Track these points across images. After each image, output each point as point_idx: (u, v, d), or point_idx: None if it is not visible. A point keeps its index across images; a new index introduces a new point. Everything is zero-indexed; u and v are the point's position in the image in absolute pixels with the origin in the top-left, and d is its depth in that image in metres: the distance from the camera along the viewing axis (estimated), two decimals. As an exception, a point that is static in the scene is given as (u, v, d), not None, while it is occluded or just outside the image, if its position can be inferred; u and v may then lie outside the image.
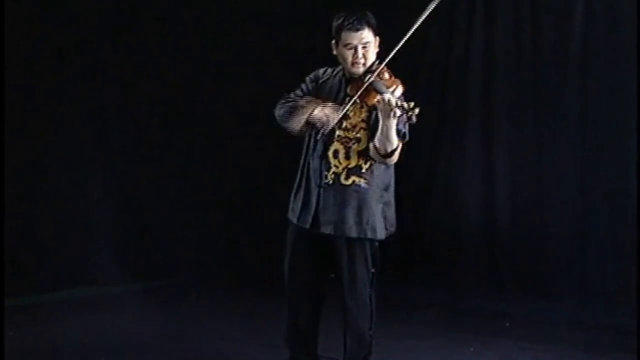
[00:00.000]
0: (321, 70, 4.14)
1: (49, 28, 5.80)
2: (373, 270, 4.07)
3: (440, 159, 6.53)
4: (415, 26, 3.87)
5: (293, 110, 3.97)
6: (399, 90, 3.85)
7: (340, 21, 3.97)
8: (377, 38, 4.02)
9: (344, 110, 3.89)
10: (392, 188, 4.13)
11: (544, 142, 6.20)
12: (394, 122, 3.77)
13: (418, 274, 6.43)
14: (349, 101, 3.91)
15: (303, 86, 4.12)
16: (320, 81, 4.09)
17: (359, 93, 3.87)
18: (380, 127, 3.81)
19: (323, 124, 3.89)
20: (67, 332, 5.19)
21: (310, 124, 3.92)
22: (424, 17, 3.89)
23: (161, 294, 6.05)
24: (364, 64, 3.96)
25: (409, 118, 3.69)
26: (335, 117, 3.89)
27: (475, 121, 6.40)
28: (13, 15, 5.25)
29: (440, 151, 6.53)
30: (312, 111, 3.91)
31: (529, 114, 6.24)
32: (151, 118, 6.30)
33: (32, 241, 5.85)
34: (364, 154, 3.96)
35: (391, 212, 4.13)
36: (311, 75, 4.14)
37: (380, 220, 4.05)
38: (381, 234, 4.06)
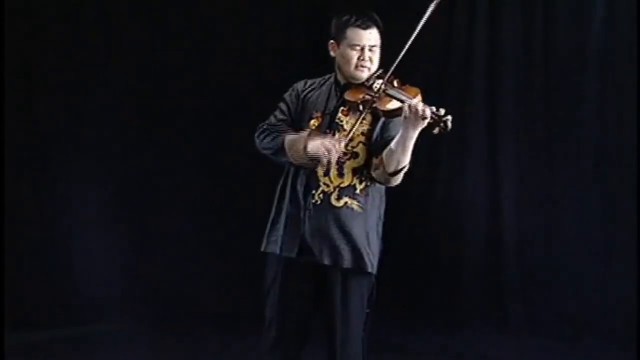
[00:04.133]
0: (301, 84, 3.78)
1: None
2: (367, 311, 3.67)
3: (438, 181, 5.99)
4: (417, 31, 3.61)
5: (280, 149, 3.62)
6: (421, 98, 3.54)
7: (346, 18, 3.64)
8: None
9: (350, 133, 3.55)
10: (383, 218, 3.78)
11: (557, 161, 5.69)
12: (416, 134, 3.45)
13: (413, 313, 5.90)
14: (350, 113, 3.60)
15: (282, 106, 3.76)
16: (304, 94, 3.74)
17: (368, 99, 3.53)
18: (399, 139, 3.48)
19: (325, 161, 3.52)
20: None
21: (312, 160, 3.56)
22: (424, 20, 3.62)
23: (158, 334, 5.77)
24: (369, 69, 3.62)
25: (444, 126, 3.39)
26: (339, 147, 3.51)
27: (478, 137, 5.88)
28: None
29: (439, 171, 5.99)
30: (307, 146, 3.54)
31: (540, 128, 5.75)
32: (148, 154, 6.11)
33: (33, 278, 5.83)
34: (358, 172, 3.61)
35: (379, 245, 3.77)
36: (290, 92, 3.78)
37: (376, 251, 3.66)
38: (376, 268, 3.67)
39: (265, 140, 3.66)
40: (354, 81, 3.62)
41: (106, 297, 5.93)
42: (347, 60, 3.61)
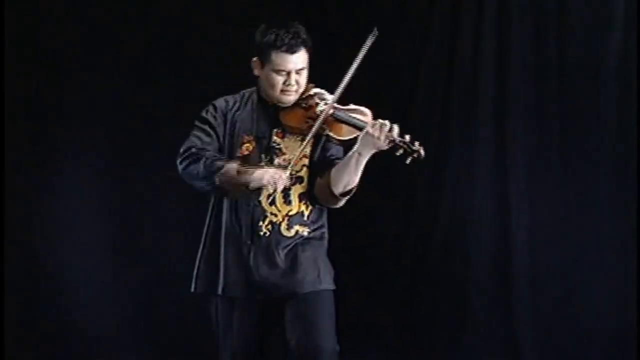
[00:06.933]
0: (222, 103, 3.52)
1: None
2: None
3: (443, 196, 5.55)
4: (359, 60, 3.40)
5: (213, 176, 3.35)
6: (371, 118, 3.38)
7: (271, 38, 3.39)
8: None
9: (293, 161, 3.36)
10: None
11: (573, 180, 5.28)
12: (370, 154, 3.35)
13: (412, 340, 5.53)
14: (286, 136, 3.44)
15: (206, 128, 3.47)
16: (231, 116, 3.49)
17: (317, 125, 3.34)
18: (352, 159, 3.34)
19: (271, 191, 3.35)
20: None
21: (251, 190, 3.35)
22: (365, 50, 3.40)
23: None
24: (297, 91, 3.43)
25: (418, 155, 3.30)
26: (284, 177, 3.33)
27: (486, 157, 5.44)
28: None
29: (445, 183, 5.55)
30: (250, 176, 3.32)
31: (553, 145, 5.33)
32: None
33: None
34: (304, 197, 3.46)
35: None
36: (212, 112, 3.49)
37: (330, 269, 3.55)
38: (332, 283, 3.55)
39: (194, 166, 3.36)
40: (280, 105, 3.43)
41: (104, 333, 5.66)
42: (272, 85, 3.40)
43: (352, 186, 3.38)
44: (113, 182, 5.65)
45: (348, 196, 3.40)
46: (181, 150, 3.43)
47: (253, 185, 3.29)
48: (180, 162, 3.41)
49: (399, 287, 5.60)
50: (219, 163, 3.33)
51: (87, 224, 5.64)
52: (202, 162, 3.34)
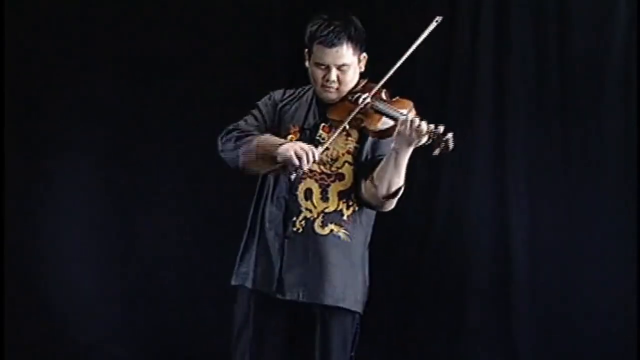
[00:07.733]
0: (279, 93, 3.44)
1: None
2: (352, 354, 3.39)
3: (441, 196, 5.42)
4: (413, 48, 3.33)
5: (246, 146, 3.24)
6: (414, 113, 3.21)
7: (314, 28, 3.26)
8: (364, 55, 3.33)
9: (330, 141, 3.21)
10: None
11: (574, 167, 5.17)
12: (409, 151, 3.15)
13: (411, 344, 5.39)
14: (332, 131, 3.24)
15: (255, 112, 3.40)
16: (282, 105, 3.39)
17: (351, 116, 3.18)
18: (390, 157, 3.16)
19: (296, 165, 3.13)
20: None
21: (278, 164, 3.19)
22: (423, 37, 3.36)
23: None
24: (338, 90, 3.26)
25: (446, 147, 3.05)
26: (314, 154, 3.14)
27: (485, 142, 5.32)
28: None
29: (443, 183, 5.42)
30: (278, 147, 3.17)
31: (554, 130, 5.22)
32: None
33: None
34: (345, 196, 3.27)
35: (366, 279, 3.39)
36: (266, 101, 3.42)
37: (361, 287, 3.36)
38: (361, 306, 3.38)
39: (232, 142, 3.26)
40: (324, 100, 3.30)
41: (104, 333, 5.57)
42: (314, 79, 3.29)
43: (397, 187, 3.18)
44: (112, 182, 5.56)
45: (395, 198, 3.22)
46: (226, 129, 3.38)
47: (280, 158, 3.14)
48: (220, 139, 3.34)
49: (397, 288, 5.48)
50: (249, 137, 3.24)
51: (87, 224, 5.56)
52: (234, 136, 3.28)
